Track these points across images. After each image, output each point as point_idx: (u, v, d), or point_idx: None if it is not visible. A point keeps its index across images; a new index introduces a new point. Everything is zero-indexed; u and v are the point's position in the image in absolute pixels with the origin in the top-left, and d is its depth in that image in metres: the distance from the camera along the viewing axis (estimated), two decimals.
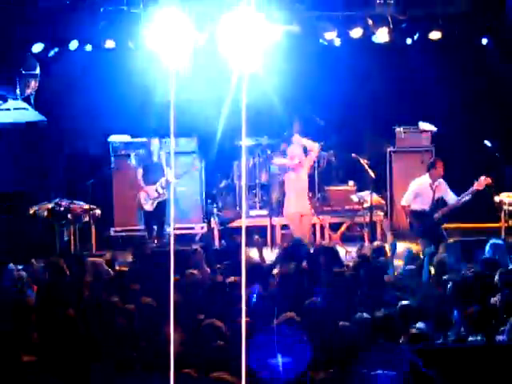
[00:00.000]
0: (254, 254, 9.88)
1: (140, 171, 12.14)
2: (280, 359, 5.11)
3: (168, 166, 12.10)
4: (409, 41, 12.67)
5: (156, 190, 12.01)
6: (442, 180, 10.81)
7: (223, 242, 12.61)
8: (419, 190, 10.78)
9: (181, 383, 5.29)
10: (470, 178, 11.64)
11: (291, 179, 11.36)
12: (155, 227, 12.13)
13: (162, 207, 12.13)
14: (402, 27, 12.45)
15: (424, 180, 10.82)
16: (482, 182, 10.43)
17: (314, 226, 12.63)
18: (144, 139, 12.74)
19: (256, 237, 11.23)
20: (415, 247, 10.90)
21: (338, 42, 12.48)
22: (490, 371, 3.59)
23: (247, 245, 9.87)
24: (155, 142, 12.13)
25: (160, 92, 12.91)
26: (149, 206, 12.06)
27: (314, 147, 11.47)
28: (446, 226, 11.92)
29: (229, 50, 3.65)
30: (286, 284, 7.73)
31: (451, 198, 10.69)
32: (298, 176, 11.30)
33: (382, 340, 6.01)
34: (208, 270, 8.75)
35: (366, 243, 11.31)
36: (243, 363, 3.77)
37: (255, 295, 6.59)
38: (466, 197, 10.55)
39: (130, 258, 10.09)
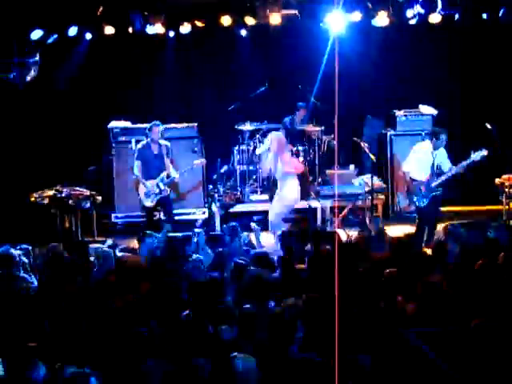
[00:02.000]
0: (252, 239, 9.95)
1: (138, 164, 11.67)
2: None
3: (169, 158, 11.72)
4: (409, 14, 12.53)
5: (157, 186, 11.60)
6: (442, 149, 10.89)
7: (224, 226, 12.63)
8: (420, 155, 10.87)
9: None
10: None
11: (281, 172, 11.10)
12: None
13: (163, 203, 11.71)
14: (401, 10, 12.38)
15: (426, 146, 10.90)
16: (480, 153, 10.49)
17: (315, 210, 12.68)
18: (145, 125, 12.69)
19: (253, 224, 11.27)
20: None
21: (337, 26, 12.41)
22: (493, 353, 3.61)
23: (245, 230, 9.92)
24: (156, 131, 11.63)
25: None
26: (149, 203, 11.66)
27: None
28: (448, 209, 12.05)
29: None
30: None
31: (447, 166, 10.77)
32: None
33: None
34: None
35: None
36: None
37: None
38: (462, 169, 10.61)
39: (132, 245, 10.12)
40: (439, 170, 10.78)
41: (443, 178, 10.71)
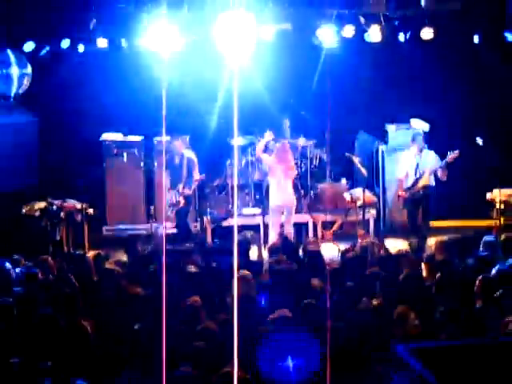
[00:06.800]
0: (254, 251, 9.96)
1: (165, 174, 11.96)
2: (290, 361, 5.13)
3: (194, 169, 11.80)
4: (401, 37, 12.68)
5: (175, 196, 11.80)
6: (431, 152, 11.45)
7: (216, 240, 12.62)
8: (404, 158, 11.68)
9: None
10: (463, 175, 11.90)
11: (276, 174, 11.62)
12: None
13: (177, 215, 11.92)
14: (394, 25, 12.45)
15: (411, 151, 11.61)
16: (453, 155, 11.17)
17: (306, 224, 12.69)
18: (136, 138, 12.73)
19: (251, 233, 11.29)
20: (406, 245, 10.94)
21: (330, 40, 12.47)
22: (489, 370, 3.60)
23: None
24: (176, 144, 11.87)
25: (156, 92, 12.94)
26: (169, 213, 11.92)
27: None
28: (439, 224, 12.12)
29: (224, 50, 3.67)
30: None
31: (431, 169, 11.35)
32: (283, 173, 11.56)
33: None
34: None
35: (359, 241, 11.34)
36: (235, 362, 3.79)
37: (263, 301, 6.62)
38: (439, 167, 11.28)
39: (122, 257, 10.09)
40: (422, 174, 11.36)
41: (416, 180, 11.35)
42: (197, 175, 11.89)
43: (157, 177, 13.06)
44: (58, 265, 8.70)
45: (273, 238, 11.35)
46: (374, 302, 6.92)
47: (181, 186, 11.79)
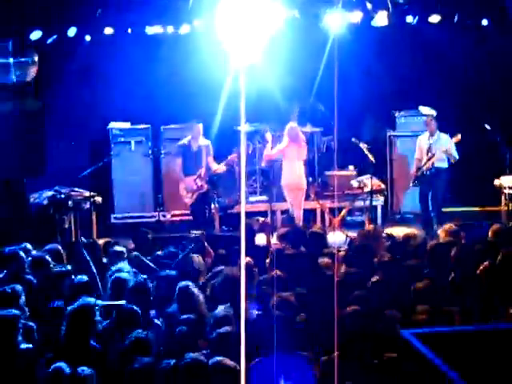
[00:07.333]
0: (261, 238, 9.99)
1: (179, 161, 11.95)
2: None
3: (210, 155, 11.88)
4: (409, 19, 12.67)
5: (195, 182, 11.83)
6: (445, 136, 11.80)
7: (223, 227, 12.64)
8: (420, 141, 12.10)
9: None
10: (470, 162, 11.85)
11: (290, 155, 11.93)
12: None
13: (202, 200, 11.92)
14: (401, 10, 12.41)
15: (425, 134, 12.05)
16: (455, 140, 11.72)
17: (314, 210, 12.68)
18: (144, 126, 12.74)
19: (262, 219, 11.32)
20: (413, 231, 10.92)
21: (337, 26, 12.42)
22: (493, 356, 3.59)
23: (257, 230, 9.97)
24: (195, 129, 11.91)
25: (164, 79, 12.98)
26: (188, 199, 11.92)
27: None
28: (447, 209, 12.12)
29: (228, 36, 3.63)
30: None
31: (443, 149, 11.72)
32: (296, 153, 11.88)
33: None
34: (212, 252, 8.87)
35: (365, 228, 11.35)
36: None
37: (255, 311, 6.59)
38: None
39: (130, 245, 10.12)
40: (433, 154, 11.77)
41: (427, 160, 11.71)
42: (212, 162, 11.89)
43: (164, 165, 13.11)
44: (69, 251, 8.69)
45: (298, 215, 11.62)
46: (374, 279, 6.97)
47: (203, 171, 11.80)
